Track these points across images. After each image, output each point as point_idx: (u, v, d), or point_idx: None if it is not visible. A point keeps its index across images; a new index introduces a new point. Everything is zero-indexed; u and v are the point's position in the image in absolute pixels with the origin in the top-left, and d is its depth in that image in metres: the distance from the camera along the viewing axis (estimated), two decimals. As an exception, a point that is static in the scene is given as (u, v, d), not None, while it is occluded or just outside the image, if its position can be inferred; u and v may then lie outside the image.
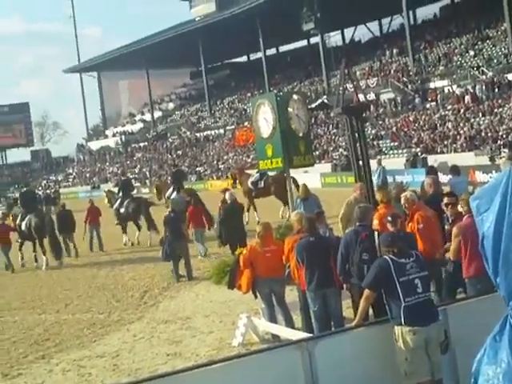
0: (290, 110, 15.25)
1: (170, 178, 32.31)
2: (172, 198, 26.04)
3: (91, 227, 26.58)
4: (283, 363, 6.97)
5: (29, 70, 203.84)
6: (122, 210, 26.87)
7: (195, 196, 24.62)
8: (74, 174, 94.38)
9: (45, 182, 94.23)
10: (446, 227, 10.29)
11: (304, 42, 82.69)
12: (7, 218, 26.94)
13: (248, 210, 26.30)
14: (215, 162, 68.24)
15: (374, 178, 21.87)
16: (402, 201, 10.90)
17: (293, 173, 16.60)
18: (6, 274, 23.65)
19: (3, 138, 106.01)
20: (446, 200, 10.45)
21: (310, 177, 37.38)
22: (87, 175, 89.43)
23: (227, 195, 20.15)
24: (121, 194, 28.14)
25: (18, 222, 25.41)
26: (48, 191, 72.07)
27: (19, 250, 24.85)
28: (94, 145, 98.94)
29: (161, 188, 30.63)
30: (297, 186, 27.22)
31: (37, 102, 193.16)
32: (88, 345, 12.62)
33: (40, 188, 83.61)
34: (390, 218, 9.43)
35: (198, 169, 69.27)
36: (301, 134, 15.47)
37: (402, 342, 7.20)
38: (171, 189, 28.02)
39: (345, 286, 10.01)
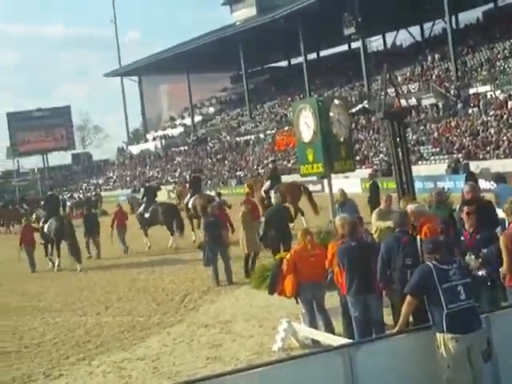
0: (331, 114, 15.27)
1: (188, 183, 32.70)
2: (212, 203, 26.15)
3: (118, 231, 27.10)
4: (324, 369, 6.95)
5: (71, 73, 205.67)
6: (147, 215, 27.34)
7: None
8: (115, 177, 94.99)
9: (85, 185, 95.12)
10: (462, 238, 9.71)
11: (345, 47, 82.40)
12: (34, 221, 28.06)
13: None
14: (255, 166, 68.15)
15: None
16: (409, 214, 10.57)
17: (333, 177, 16.55)
18: (48, 276, 23.93)
19: (45, 141, 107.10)
20: (466, 209, 9.72)
21: (351, 182, 37.32)
22: (127, 179, 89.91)
23: (273, 198, 20.10)
24: (144, 199, 28.72)
25: (41, 224, 26.21)
26: (89, 194, 72.86)
27: (46, 256, 25.64)
28: (135, 149, 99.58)
29: (182, 193, 30.98)
30: (308, 193, 27.51)
31: (78, 106, 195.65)
32: (128, 347, 12.72)
33: (80, 191, 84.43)
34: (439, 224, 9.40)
35: (237, 173, 69.26)
36: (342, 139, 15.48)
37: (444, 349, 7.14)
38: (189, 195, 28.35)
39: (384, 292, 9.91)
